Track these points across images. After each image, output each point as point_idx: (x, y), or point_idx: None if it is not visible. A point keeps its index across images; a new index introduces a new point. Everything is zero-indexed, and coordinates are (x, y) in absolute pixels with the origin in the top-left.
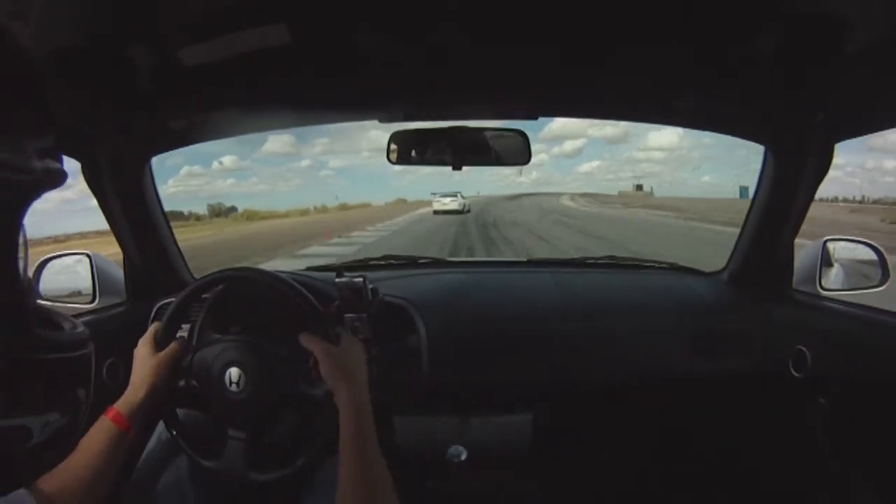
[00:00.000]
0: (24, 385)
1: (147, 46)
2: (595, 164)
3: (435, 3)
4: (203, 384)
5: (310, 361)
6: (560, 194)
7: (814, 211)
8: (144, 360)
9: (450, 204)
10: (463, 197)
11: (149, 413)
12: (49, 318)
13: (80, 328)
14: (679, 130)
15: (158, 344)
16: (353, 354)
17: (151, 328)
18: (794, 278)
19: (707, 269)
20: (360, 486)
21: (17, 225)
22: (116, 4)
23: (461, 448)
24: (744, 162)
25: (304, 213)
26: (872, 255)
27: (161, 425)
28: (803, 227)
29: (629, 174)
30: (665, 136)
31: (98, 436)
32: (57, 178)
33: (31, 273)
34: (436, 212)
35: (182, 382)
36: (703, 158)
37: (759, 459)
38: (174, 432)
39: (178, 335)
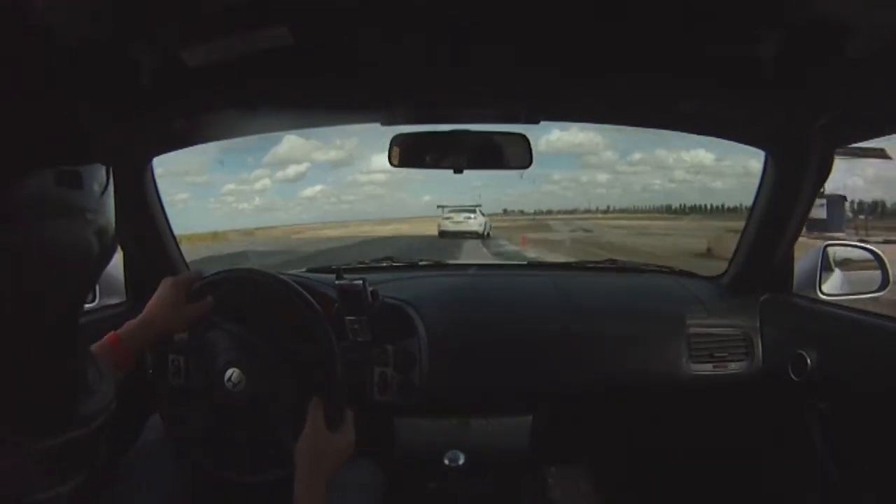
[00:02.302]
0: (63, 462)
1: (148, 47)
2: (318, 188)
3: (437, 5)
4: (203, 383)
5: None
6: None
7: None
8: (169, 305)
9: (465, 223)
10: (483, 214)
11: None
12: (84, 381)
13: (106, 379)
14: None
15: (192, 295)
16: (335, 447)
17: (188, 275)
18: (794, 283)
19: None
20: None
21: (77, 320)
22: (117, 4)
23: (459, 453)
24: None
25: None
26: (873, 260)
27: (150, 423)
28: None
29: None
30: (384, 159)
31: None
32: (113, 251)
33: None
34: (443, 234)
35: (181, 381)
36: (418, 177)
37: (757, 463)
38: (171, 432)
39: (171, 359)
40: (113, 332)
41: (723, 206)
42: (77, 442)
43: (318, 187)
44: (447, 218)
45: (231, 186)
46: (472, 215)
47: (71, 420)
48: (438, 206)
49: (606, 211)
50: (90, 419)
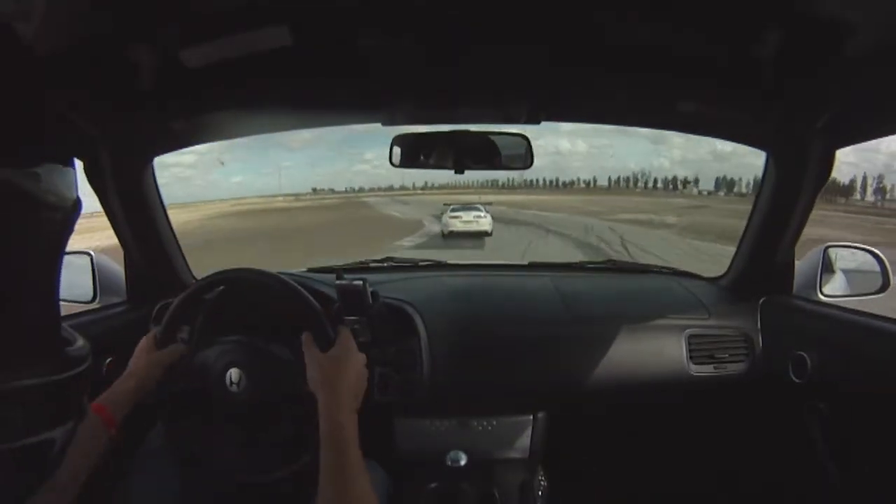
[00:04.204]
0: (51, 402)
1: (150, 47)
2: None
3: (437, 6)
4: (203, 386)
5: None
6: None
7: None
8: (141, 355)
9: (476, 223)
10: (487, 210)
11: (131, 407)
12: (59, 330)
13: (81, 339)
14: None
15: (159, 343)
16: (341, 363)
17: (153, 330)
18: (795, 284)
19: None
20: None
21: (61, 256)
22: (118, 4)
23: (461, 453)
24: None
25: None
26: (873, 262)
27: (154, 428)
28: None
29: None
30: None
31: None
32: (79, 208)
33: None
34: (450, 234)
35: (182, 385)
36: (231, 160)
37: (757, 465)
38: (173, 434)
39: (178, 336)
40: (96, 403)
41: (557, 180)
42: (56, 386)
43: None
44: (455, 217)
45: None
46: (482, 213)
47: (48, 362)
48: (445, 204)
49: (424, 187)
50: (69, 364)
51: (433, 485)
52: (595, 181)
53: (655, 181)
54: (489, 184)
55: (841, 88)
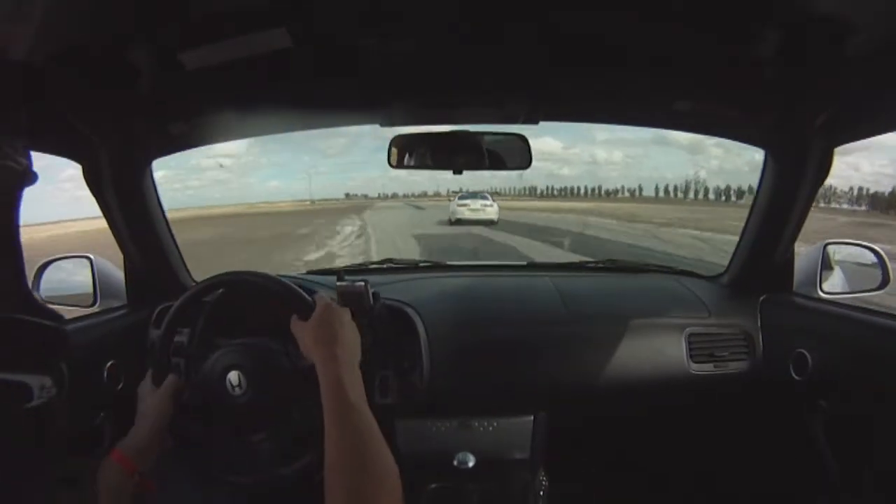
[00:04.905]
0: (24, 342)
1: (148, 49)
2: (161, 173)
3: (436, 7)
4: (204, 392)
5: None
6: None
7: None
8: (145, 397)
9: (483, 211)
10: (493, 200)
11: (156, 449)
12: None
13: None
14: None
15: (155, 379)
16: (324, 321)
17: (148, 373)
18: (795, 282)
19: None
20: (352, 462)
21: (18, 209)
22: (117, 6)
23: (469, 454)
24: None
25: None
26: (873, 259)
27: None
28: None
29: (196, 183)
30: (233, 142)
31: (103, 476)
32: (33, 177)
33: (31, 275)
34: (458, 221)
35: (185, 395)
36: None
37: (759, 463)
38: (174, 437)
39: (171, 364)
40: (116, 449)
41: (599, 189)
42: (33, 328)
43: (160, 173)
44: (462, 204)
45: (71, 171)
46: (489, 202)
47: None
48: (453, 192)
49: (459, 193)
50: (42, 312)
51: (434, 486)
52: (641, 190)
53: (707, 191)
54: (526, 191)
55: (840, 87)
